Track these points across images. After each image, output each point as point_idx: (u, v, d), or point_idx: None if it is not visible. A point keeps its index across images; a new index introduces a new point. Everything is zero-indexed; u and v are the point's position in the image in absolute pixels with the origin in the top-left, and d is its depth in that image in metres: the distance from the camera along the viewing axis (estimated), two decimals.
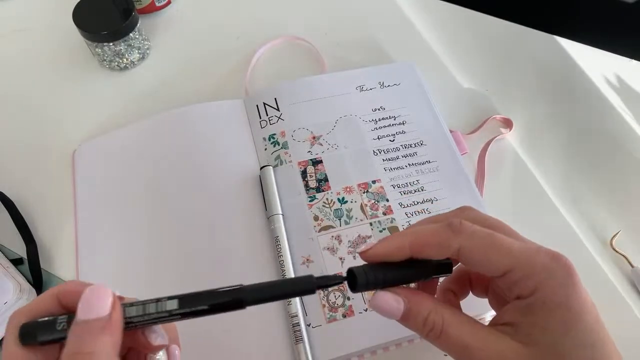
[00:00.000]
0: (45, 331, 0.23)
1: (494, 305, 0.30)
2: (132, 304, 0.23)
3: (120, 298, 0.23)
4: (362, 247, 0.26)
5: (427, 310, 0.25)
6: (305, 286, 0.24)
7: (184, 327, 0.37)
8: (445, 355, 0.36)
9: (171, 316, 0.23)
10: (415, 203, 0.41)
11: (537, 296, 0.23)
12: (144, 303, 0.23)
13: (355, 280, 0.25)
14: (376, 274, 0.25)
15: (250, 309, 0.39)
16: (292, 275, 0.37)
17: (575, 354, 0.22)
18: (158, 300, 0.23)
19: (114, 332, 0.22)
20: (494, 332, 0.24)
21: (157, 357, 0.25)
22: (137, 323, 0.23)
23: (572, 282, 0.23)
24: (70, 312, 0.23)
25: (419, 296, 0.25)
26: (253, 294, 0.24)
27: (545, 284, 0.23)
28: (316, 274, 0.37)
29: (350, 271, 0.25)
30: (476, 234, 0.24)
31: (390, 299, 0.25)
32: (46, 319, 0.23)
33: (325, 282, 0.25)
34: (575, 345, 0.22)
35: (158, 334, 0.24)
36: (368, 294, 0.37)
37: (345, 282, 0.25)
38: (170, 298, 0.23)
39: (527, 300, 0.23)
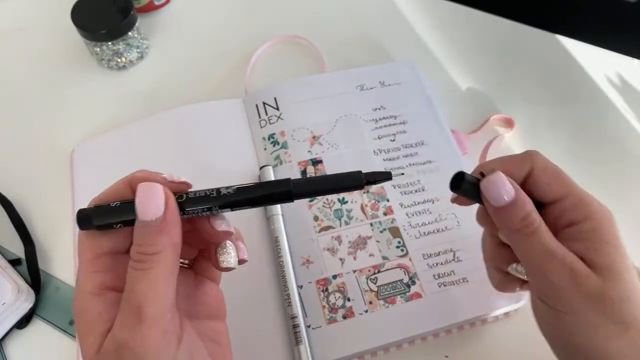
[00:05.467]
0: (99, 217, 0.23)
1: None
2: (187, 194, 0.24)
3: (185, 184, 0.24)
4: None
5: (531, 206, 0.26)
6: (353, 182, 0.24)
7: None
8: (447, 356, 0.36)
9: (226, 205, 0.24)
10: (416, 203, 0.41)
11: (588, 224, 0.26)
12: (200, 192, 0.24)
13: (462, 179, 0.26)
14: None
15: (251, 311, 0.39)
16: (292, 275, 0.37)
17: (627, 276, 0.25)
18: (216, 189, 0.24)
19: (170, 230, 0.22)
20: (570, 251, 0.26)
21: (226, 251, 0.25)
22: (195, 212, 0.23)
23: (613, 219, 0.26)
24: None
25: (525, 194, 0.27)
26: (301, 187, 0.24)
27: (594, 214, 0.26)
28: (316, 275, 0.37)
29: (460, 174, 0.27)
30: (548, 162, 0.28)
31: (507, 179, 0.26)
32: (101, 204, 0.24)
33: (373, 178, 0.24)
34: (625, 268, 0.25)
35: (223, 221, 0.25)
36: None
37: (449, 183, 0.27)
38: (227, 187, 0.24)
39: (578, 227, 0.26)
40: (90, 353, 0.22)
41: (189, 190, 0.24)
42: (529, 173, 0.27)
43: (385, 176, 0.24)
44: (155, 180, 0.23)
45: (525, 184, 0.27)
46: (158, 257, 0.22)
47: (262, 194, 0.24)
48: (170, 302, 0.22)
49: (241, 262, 0.26)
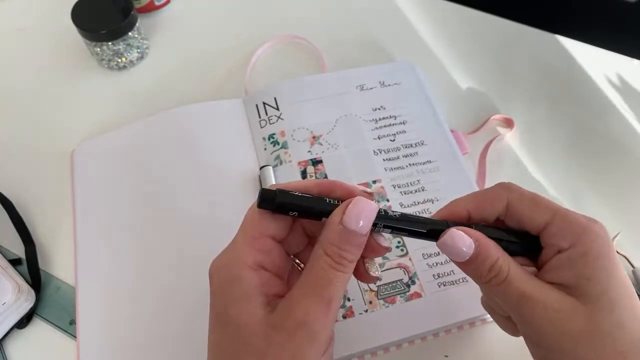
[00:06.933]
0: (282, 199, 0.24)
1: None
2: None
3: (369, 195, 0.26)
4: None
5: (495, 256, 0.25)
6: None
7: (184, 327, 0.37)
8: (446, 356, 0.36)
9: (395, 228, 0.26)
10: (416, 203, 0.41)
11: (577, 249, 0.24)
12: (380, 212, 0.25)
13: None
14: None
15: None
16: None
17: (623, 302, 0.24)
18: (384, 209, 0.26)
19: (362, 249, 0.25)
20: (552, 287, 0.25)
21: (374, 262, 0.28)
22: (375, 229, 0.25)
23: (606, 236, 0.25)
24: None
25: (488, 241, 0.26)
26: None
27: (583, 237, 0.25)
28: None
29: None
30: (523, 191, 0.27)
31: (464, 237, 0.25)
32: (284, 189, 0.25)
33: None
34: (621, 293, 0.24)
35: (385, 237, 0.27)
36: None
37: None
38: (393, 211, 0.26)
39: (567, 253, 0.25)
40: (252, 318, 0.24)
41: None
42: (506, 206, 0.26)
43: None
44: (353, 191, 0.26)
45: (505, 218, 0.27)
46: (352, 265, 0.24)
47: (422, 229, 0.26)
48: None
49: None
